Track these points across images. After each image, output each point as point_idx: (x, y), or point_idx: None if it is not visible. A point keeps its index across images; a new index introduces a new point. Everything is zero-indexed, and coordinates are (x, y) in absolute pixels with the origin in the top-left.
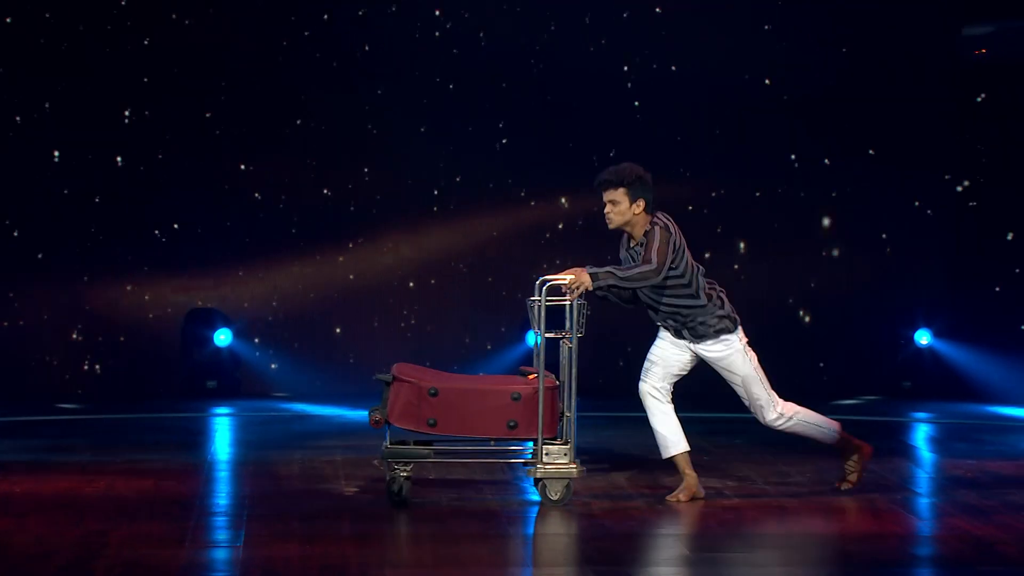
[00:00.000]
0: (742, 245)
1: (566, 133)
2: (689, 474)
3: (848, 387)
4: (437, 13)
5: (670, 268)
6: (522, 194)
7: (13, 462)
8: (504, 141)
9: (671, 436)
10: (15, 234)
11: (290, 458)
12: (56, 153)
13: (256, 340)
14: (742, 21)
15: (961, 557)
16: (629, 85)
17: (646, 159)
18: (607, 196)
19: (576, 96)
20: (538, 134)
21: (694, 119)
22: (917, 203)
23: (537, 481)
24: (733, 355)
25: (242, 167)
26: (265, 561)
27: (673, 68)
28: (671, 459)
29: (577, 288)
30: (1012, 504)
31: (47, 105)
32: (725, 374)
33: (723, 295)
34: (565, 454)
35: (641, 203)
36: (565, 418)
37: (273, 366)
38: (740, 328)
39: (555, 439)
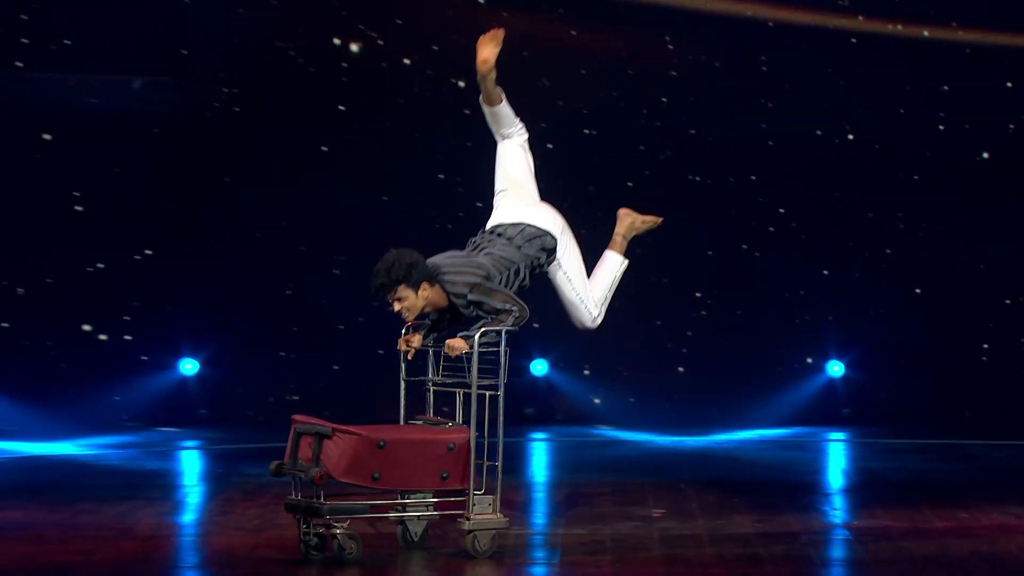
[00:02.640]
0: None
1: None
2: None
3: None
4: None
5: (521, 286)
6: None
7: None
8: None
9: None
10: None
11: (601, 481)
12: None
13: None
14: None
15: None
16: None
17: None
18: (390, 298)
19: None
20: None
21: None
22: None
23: (467, 533)
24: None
25: None
26: None
27: None
28: None
29: (459, 349)
30: None
31: None
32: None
33: None
34: (490, 504)
35: (425, 285)
36: (486, 468)
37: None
38: None
39: (478, 490)
